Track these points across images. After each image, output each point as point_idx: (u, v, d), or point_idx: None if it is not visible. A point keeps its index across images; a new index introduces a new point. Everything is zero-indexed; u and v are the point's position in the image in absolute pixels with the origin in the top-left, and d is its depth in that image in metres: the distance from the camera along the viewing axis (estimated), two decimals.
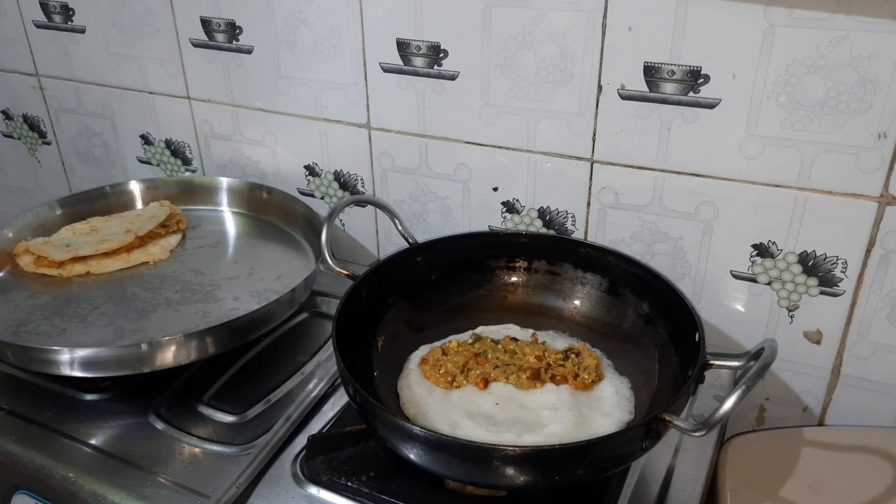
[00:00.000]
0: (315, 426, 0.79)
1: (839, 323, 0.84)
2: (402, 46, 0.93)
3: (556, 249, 0.91)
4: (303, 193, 1.12)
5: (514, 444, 0.63)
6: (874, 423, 0.88)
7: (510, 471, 0.61)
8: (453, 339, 0.83)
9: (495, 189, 0.97)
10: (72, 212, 1.09)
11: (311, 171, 1.10)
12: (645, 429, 0.62)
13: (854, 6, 0.71)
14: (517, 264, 0.92)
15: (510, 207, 0.97)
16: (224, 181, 1.14)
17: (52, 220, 1.07)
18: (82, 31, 1.17)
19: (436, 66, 0.92)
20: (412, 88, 0.95)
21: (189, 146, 1.19)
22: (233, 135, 1.13)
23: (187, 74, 1.12)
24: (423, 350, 0.83)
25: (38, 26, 1.21)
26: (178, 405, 0.82)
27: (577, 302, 0.90)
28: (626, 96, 0.84)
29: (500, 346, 0.81)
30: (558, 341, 0.84)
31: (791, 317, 0.87)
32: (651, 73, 0.81)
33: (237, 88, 1.09)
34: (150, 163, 1.25)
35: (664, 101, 0.82)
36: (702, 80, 0.79)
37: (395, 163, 1.02)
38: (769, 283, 0.86)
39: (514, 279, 0.93)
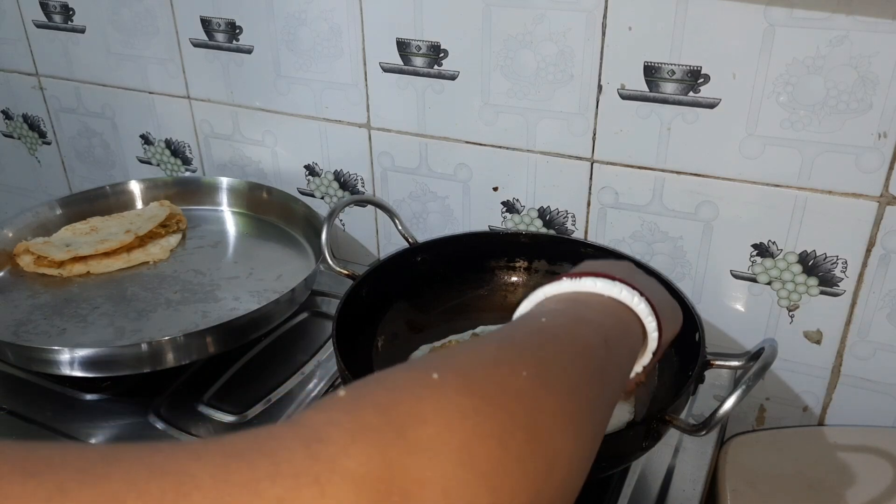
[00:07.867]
0: None
1: (839, 323, 0.84)
2: (402, 46, 0.93)
3: (556, 249, 0.91)
4: (303, 193, 1.12)
5: None
6: (874, 423, 0.88)
7: None
8: (453, 339, 0.83)
9: (495, 189, 0.97)
10: (72, 212, 1.09)
11: (311, 170, 1.10)
12: (645, 429, 0.62)
13: (854, 6, 0.71)
14: (517, 264, 0.92)
15: (510, 207, 0.97)
16: (224, 181, 1.14)
17: (52, 220, 1.07)
18: (82, 31, 1.17)
19: (436, 66, 0.92)
20: (412, 88, 0.95)
21: (189, 146, 1.19)
22: (233, 135, 1.13)
23: (187, 74, 1.12)
24: (423, 350, 0.83)
25: (38, 26, 1.21)
26: (178, 405, 0.82)
27: None
28: (626, 96, 0.84)
29: None
30: None
31: (791, 317, 0.87)
32: (651, 72, 0.81)
33: (237, 88, 1.09)
34: (150, 163, 1.25)
35: (664, 101, 0.82)
36: (702, 80, 0.79)
37: (395, 163, 1.02)
38: (769, 283, 0.86)
39: (514, 279, 0.93)
